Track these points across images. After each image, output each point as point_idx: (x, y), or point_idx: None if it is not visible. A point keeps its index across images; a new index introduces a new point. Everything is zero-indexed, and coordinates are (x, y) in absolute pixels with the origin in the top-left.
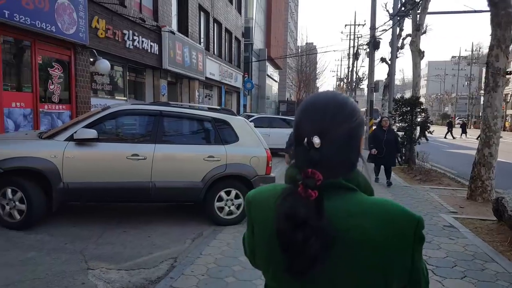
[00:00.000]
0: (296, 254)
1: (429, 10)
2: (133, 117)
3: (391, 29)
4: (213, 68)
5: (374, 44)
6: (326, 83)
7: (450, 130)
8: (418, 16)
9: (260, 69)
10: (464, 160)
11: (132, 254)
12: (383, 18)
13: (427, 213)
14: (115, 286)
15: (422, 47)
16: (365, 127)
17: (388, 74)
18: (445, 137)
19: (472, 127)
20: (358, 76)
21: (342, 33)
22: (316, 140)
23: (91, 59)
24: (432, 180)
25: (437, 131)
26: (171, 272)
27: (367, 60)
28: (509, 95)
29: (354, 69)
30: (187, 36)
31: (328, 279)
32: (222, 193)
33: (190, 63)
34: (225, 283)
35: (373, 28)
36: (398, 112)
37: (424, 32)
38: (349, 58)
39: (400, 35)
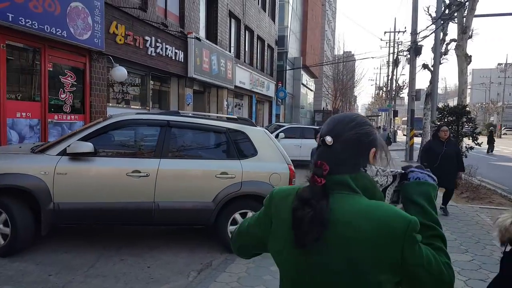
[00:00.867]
0: (301, 229)
1: (476, 12)
2: (136, 128)
3: (433, 34)
4: (243, 77)
5: (415, 49)
6: (364, 91)
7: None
8: (464, 18)
9: (295, 78)
10: None
11: None
12: (425, 22)
13: (479, 240)
14: None
15: (468, 52)
16: (381, 141)
17: (431, 82)
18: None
19: None
20: (398, 85)
21: (381, 40)
22: (328, 138)
23: (108, 66)
24: (481, 198)
25: (485, 142)
26: None
27: (407, 67)
28: None
29: (394, 77)
30: (216, 44)
31: (325, 259)
32: (237, 215)
33: (218, 71)
34: None
35: (414, 33)
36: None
37: (470, 37)
38: (388, 66)
39: (444, 39)
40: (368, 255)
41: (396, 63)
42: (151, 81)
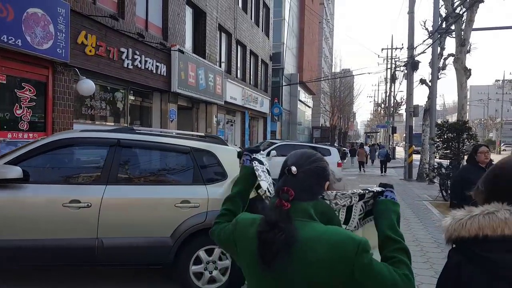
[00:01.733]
0: (267, 248)
1: (474, 26)
2: (79, 149)
3: (430, 48)
4: (235, 92)
5: (412, 64)
6: (363, 108)
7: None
8: (462, 31)
9: (292, 94)
10: None
11: None
12: (422, 38)
13: None
14: None
15: (467, 65)
16: (332, 174)
17: (429, 97)
18: None
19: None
20: (396, 101)
21: (379, 57)
22: (294, 168)
23: (76, 79)
24: None
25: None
26: None
27: (405, 83)
28: None
29: (392, 93)
30: (204, 58)
31: (290, 277)
32: (201, 253)
33: (206, 86)
34: None
35: (411, 47)
36: (441, 139)
37: (468, 51)
38: (386, 82)
39: (441, 54)
40: (325, 274)
41: (393, 79)
42: (130, 96)
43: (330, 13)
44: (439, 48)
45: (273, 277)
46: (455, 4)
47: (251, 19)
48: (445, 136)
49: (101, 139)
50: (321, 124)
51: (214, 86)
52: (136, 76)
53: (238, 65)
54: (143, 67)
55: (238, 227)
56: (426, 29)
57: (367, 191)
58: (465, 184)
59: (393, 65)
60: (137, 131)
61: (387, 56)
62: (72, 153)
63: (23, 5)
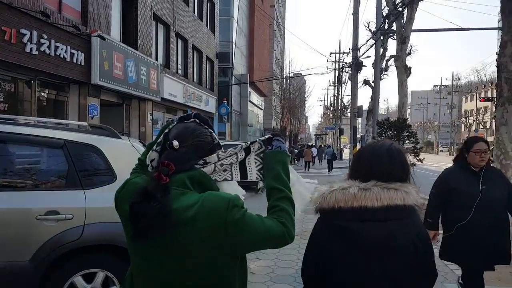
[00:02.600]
0: (137, 220)
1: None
2: None
3: (373, 49)
4: (174, 89)
5: (356, 65)
6: (314, 111)
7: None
8: (403, 28)
9: (242, 95)
10: None
11: None
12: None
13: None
14: None
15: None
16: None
17: (372, 98)
18: None
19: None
20: (343, 104)
21: (327, 61)
22: (176, 142)
23: None
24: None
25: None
26: None
27: (350, 84)
28: None
29: (340, 96)
30: (136, 48)
31: (168, 247)
32: (78, 279)
33: (138, 79)
34: None
35: (355, 48)
36: (382, 137)
37: (409, 54)
38: (334, 86)
39: (384, 55)
40: (202, 239)
41: (339, 80)
42: (38, 88)
43: (281, 17)
44: (381, 49)
45: (151, 250)
46: (397, 1)
47: (194, 12)
48: (386, 134)
49: None
50: (273, 126)
51: (148, 80)
52: (43, 63)
53: (179, 60)
54: (52, 54)
55: (124, 189)
56: (370, 30)
57: (251, 143)
58: (450, 195)
59: (341, 68)
60: None
61: (335, 60)
62: None
63: None
